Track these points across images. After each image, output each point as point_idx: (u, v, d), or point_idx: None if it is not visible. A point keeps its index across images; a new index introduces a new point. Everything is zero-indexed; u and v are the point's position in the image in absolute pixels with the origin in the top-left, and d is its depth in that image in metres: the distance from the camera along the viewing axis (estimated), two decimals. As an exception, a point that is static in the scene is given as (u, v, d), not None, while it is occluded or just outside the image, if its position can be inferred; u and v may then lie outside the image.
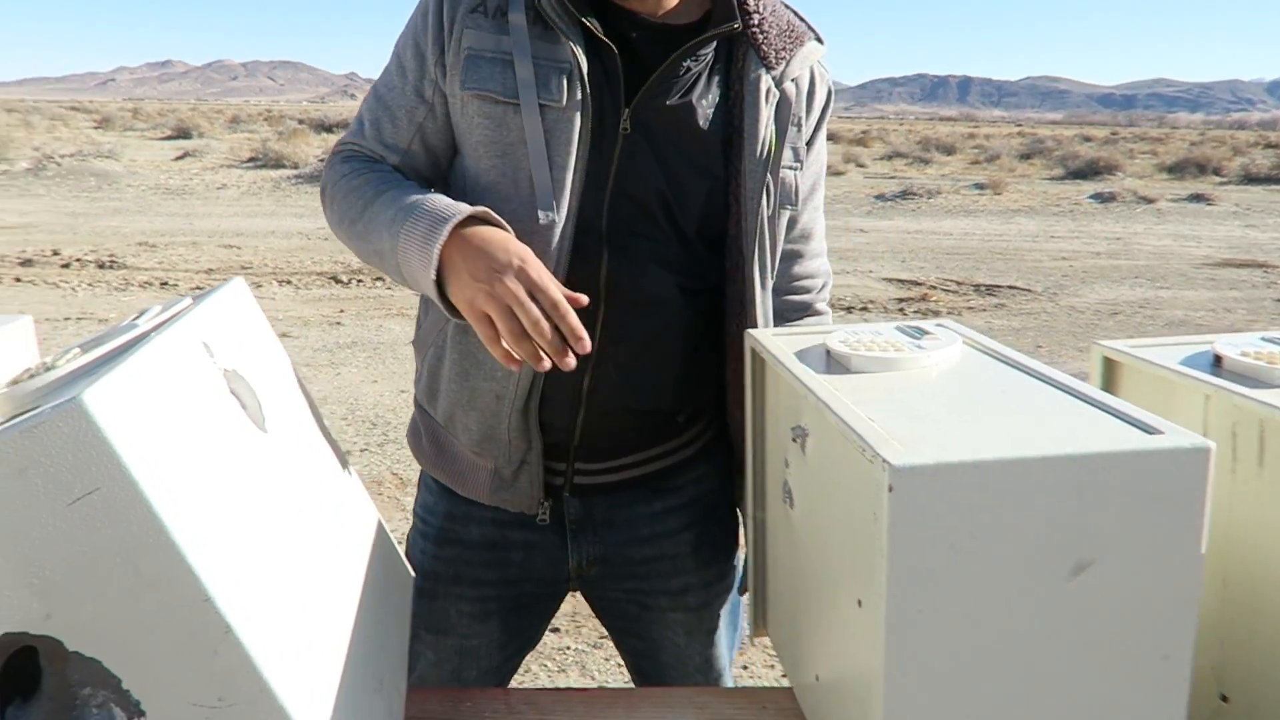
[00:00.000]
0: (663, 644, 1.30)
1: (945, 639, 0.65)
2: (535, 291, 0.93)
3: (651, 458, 1.21)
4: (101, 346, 0.71)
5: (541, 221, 1.07)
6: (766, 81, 1.13)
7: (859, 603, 0.71)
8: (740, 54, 1.14)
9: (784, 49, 1.14)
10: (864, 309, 7.26)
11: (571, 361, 0.93)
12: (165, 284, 7.54)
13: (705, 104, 1.13)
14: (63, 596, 0.56)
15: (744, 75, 1.13)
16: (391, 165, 1.16)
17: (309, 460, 0.85)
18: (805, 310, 1.28)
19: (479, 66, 1.08)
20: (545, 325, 0.92)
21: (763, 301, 1.16)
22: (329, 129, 25.52)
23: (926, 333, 0.93)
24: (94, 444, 0.53)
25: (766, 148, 1.13)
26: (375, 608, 0.87)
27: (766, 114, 1.13)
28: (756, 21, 1.13)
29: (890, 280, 8.50)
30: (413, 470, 3.91)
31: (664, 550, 1.21)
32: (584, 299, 0.96)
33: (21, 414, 0.58)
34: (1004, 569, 0.65)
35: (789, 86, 1.15)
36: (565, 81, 1.07)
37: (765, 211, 1.14)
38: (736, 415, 1.17)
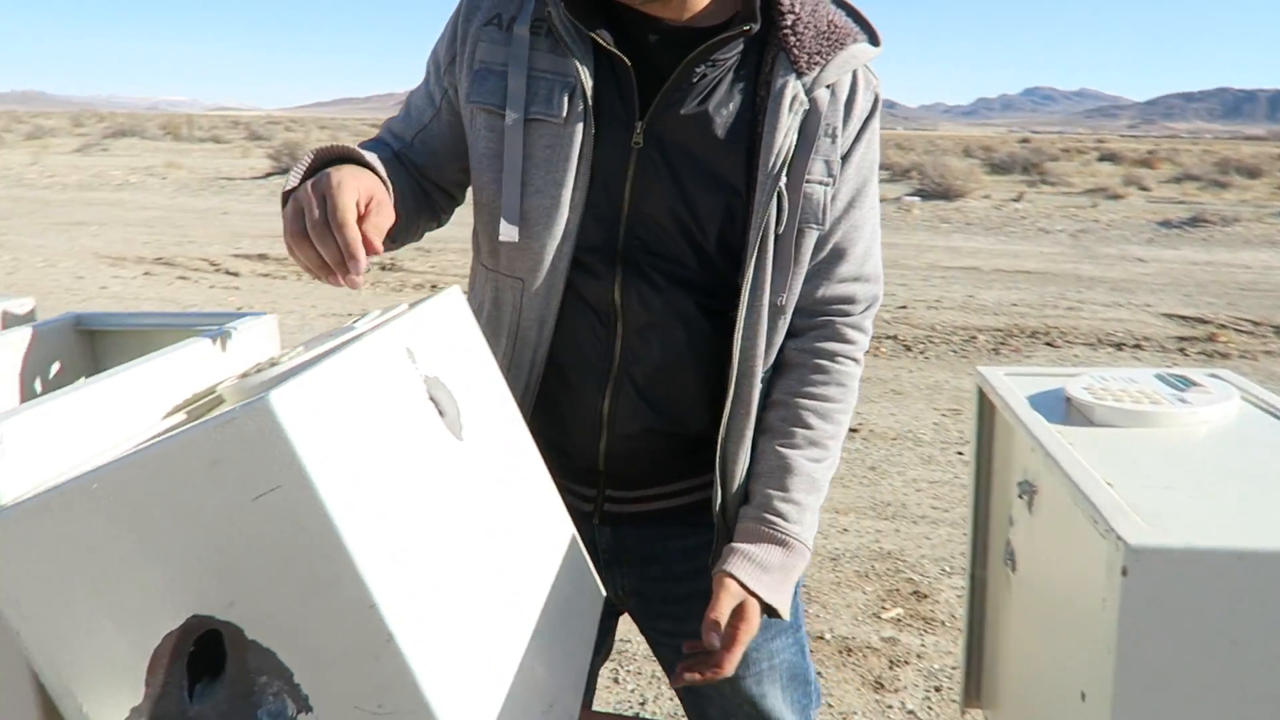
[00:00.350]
0: (708, 694, 1.22)
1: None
2: (327, 197, 0.86)
3: (684, 490, 1.14)
4: (319, 346, 0.75)
5: (501, 238, 1.05)
6: (794, 88, 1.04)
7: (1082, 695, 0.61)
8: (769, 58, 1.05)
9: (819, 53, 1.05)
10: (1136, 347, 6.60)
11: (354, 279, 0.85)
12: (434, 285, 8.16)
13: (726, 112, 1.05)
14: (244, 586, 0.58)
15: (770, 81, 1.04)
16: (392, 151, 1.15)
17: (503, 471, 0.85)
18: (829, 336, 1.14)
19: (486, 79, 1.07)
20: (325, 232, 0.85)
21: (768, 323, 1.08)
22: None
23: (1194, 383, 0.79)
24: (277, 443, 0.54)
25: (781, 159, 1.03)
26: (556, 626, 0.85)
27: (788, 123, 1.04)
28: (789, 23, 1.05)
29: (1170, 316, 7.68)
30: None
31: (699, 588, 1.10)
32: (385, 221, 0.90)
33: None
34: (1256, 676, 0.52)
35: (821, 94, 1.05)
36: (568, 96, 1.04)
37: (775, 228, 1.04)
38: (727, 448, 1.10)
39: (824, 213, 1.07)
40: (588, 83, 1.03)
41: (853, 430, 4.62)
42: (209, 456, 0.55)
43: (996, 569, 0.88)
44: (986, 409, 0.90)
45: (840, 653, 2.64)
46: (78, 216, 12.73)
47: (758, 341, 1.08)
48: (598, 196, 1.06)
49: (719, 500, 1.12)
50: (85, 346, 1.01)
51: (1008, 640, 0.85)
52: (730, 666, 1.01)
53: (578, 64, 1.03)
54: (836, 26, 1.06)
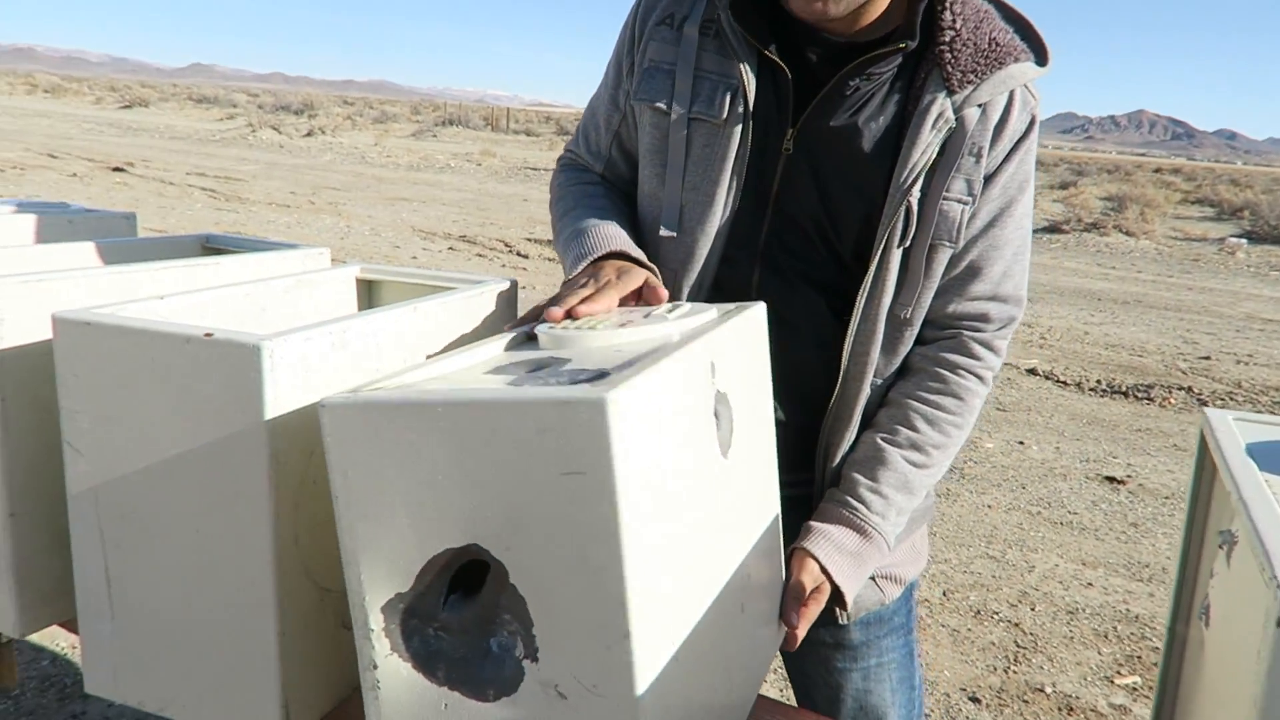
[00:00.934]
0: (815, 680, 1.22)
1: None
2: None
3: (786, 482, 1.11)
4: (648, 327, 0.83)
5: (661, 233, 1.10)
6: (941, 105, 1.04)
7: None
8: (923, 74, 1.06)
9: (974, 71, 1.04)
10: None
11: None
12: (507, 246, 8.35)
13: (875, 126, 1.07)
14: (524, 539, 0.65)
15: (920, 97, 1.05)
16: (597, 173, 1.22)
17: (750, 488, 0.88)
18: (954, 348, 1.12)
19: (653, 77, 1.12)
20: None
21: (888, 332, 1.09)
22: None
23: None
24: (599, 438, 0.60)
25: (916, 173, 1.04)
26: (757, 645, 0.90)
27: (928, 140, 1.04)
28: (948, 39, 1.05)
29: None
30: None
31: None
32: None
33: (560, 365, 0.74)
34: None
35: (970, 112, 1.05)
36: (729, 98, 1.07)
37: (901, 240, 1.05)
38: (828, 446, 1.13)
39: (959, 231, 1.07)
40: (750, 87, 1.07)
41: (1119, 482, 4.25)
42: (540, 425, 0.62)
43: (1193, 625, 0.82)
44: (1206, 456, 0.84)
45: (1060, 709, 2.46)
46: (403, 193, 14.25)
47: (870, 347, 1.09)
48: (748, 197, 1.10)
49: (816, 497, 1.14)
50: (364, 292, 1.17)
51: (1196, 702, 0.79)
52: (794, 644, 1.00)
53: (743, 68, 1.07)
54: (998, 45, 1.05)
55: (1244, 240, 14.90)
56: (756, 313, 0.92)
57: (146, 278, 1.00)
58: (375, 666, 0.71)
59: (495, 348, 0.85)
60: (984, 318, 1.12)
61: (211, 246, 1.29)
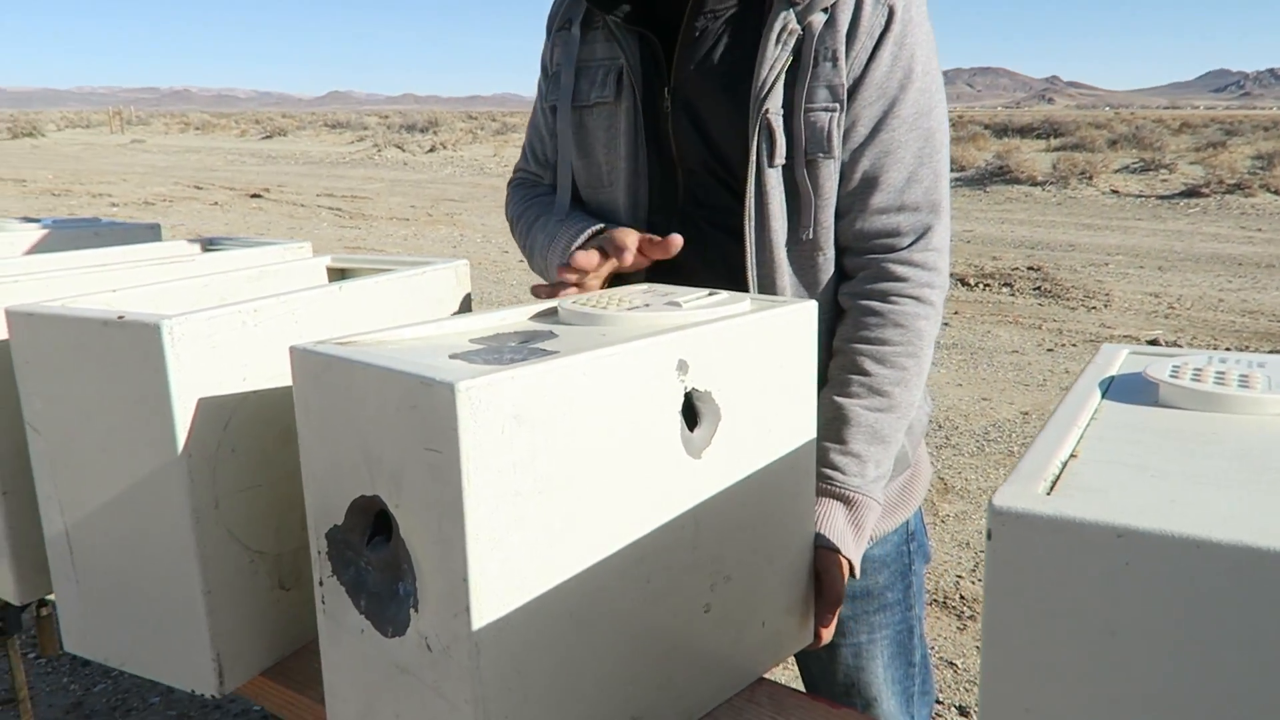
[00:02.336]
0: (813, 653, 1.16)
1: None
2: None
3: None
4: (663, 312, 0.84)
5: (556, 217, 1.17)
6: (785, 19, 1.03)
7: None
8: None
9: None
10: None
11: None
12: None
13: (731, 58, 1.08)
14: (406, 500, 0.68)
15: (764, 17, 1.05)
16: (548, 183, 1.27)
17: (748, 495, 0.86)
18: (876, 275, 1.08)
19: (556, 79, 1.19)
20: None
21: (796, 259, 1.08)
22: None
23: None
24: (449, 421, 0.63)
25: (766, 89, 1.04)
26: (736, 646, 0.90)
27: (774, 54, 1.04)
28: None
29: None
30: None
31: None
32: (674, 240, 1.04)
33: (538, 342, 0.77)
34: (1130, 668, 0.45)
35: (815, 18, 1.04)
36: (615, 78, 1.13)
37: (770, 159, 1.04)
38: None
39: (830, 139, 1.04)
40: (631, 62, 1.12)
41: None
42: (410, 399, 0.65)
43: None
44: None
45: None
46: (516, 200, 14.64)
47: (776, 275, 1.07)
48: (656, 163, 1.13)
49: None
50: (335, 279, 1.24)
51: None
52: (819, 642, 1.00)
53: (620, 47, 1.12)
54: None
55: None
56: (795, 313, 0.88)
57: (112, 276, 1.09)
58: (321, 584, 0.78)
59: (514, 316, 0.88)
60: (895, 232, 1.08)
61: (211, 247, 1.39)
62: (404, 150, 26.42)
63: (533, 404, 0.67)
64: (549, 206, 1.23)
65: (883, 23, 1.05)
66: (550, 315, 0.89)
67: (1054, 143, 23.32)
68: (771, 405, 0.87)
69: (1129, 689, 0.45)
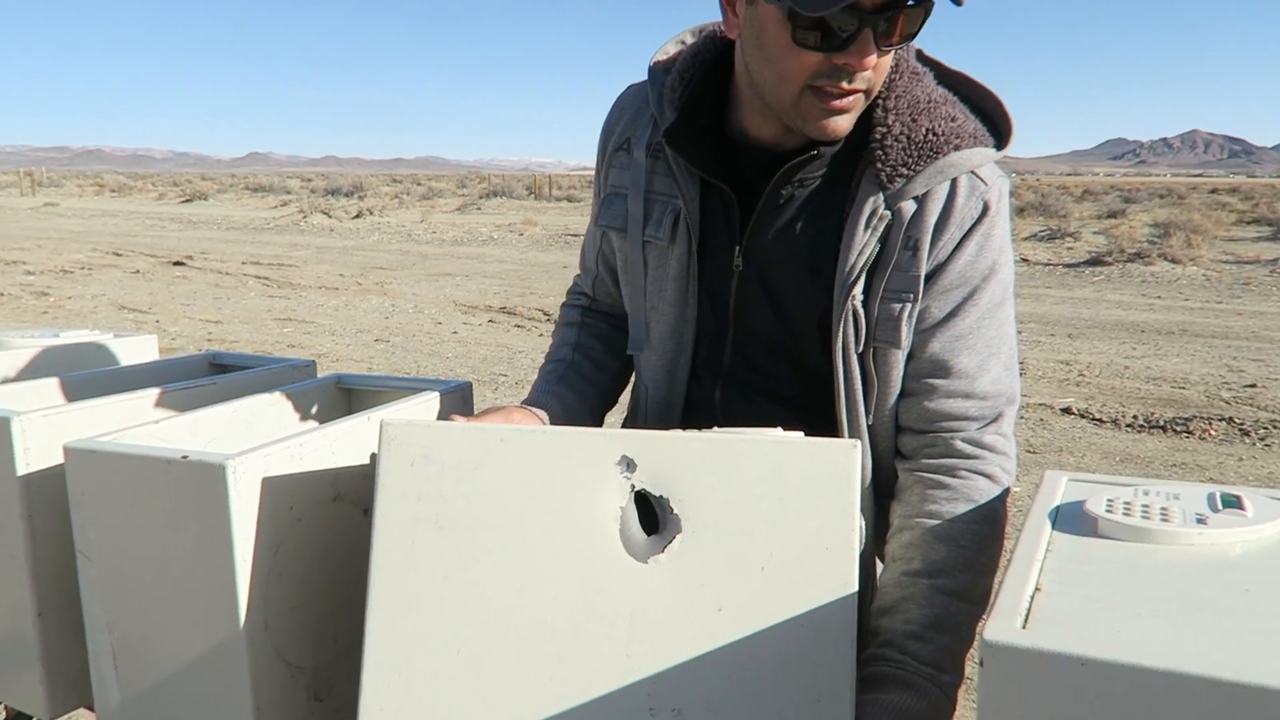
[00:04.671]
0: None
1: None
2: None
3: None
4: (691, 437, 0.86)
5: (629, 350, 1.16)
6: (875, 202, 1.03)
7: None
8: (859, 173, 1.06)
9: (905, 164, 1.02)
10: None
11: None
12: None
13: (815, 230, 1.07)
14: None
15: (855, 196, 1.05)
16: (587, 287, 1.29)
17: (697, 622, 0.82)
18: (944, 452, 1.06)
19: (613, 203, 1.18)
20: None
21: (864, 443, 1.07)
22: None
23: (1238, 505, 0.80)
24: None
25: (855, 275, 1.03)
26: None
27: (863, 238, 1.03)
28: (879, 136, 1.04)
29: None
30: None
31: None
32: None
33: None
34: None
35: (905, 205, 1.03)
36: (672, 220, 1.11)
37: (855, 347, 1.05)
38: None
39: (900, 331, 1.04)
40: (692, 208, 1.11)
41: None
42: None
43: None
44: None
45: None
46: (447, 268, 14.66)
47: (865, 461, 1.06)
48: (706, 315, 1.14)
49: None
50: (344, 398, 1.33)
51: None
52: None
53: (685, 192, 1.11)
54: (935, 135, 1.03)
55: (1299, 259, 14.58)
56: (839, 447, 0.84)
57: (148, 402, 1.17)
58: None
59: None
60: (965, 416, 1.06)
61: (217, 364, 1.46)
62: (330, 216, 26.30)
63: (447, 449, 0.76)
64: (557, 366, 1.24)
65: (976, 214, 1.04)
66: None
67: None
68: (776, 543, 0.83)
69: (1095, 785, 0.58)
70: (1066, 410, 6.31)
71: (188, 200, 37.44)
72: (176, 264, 14.96)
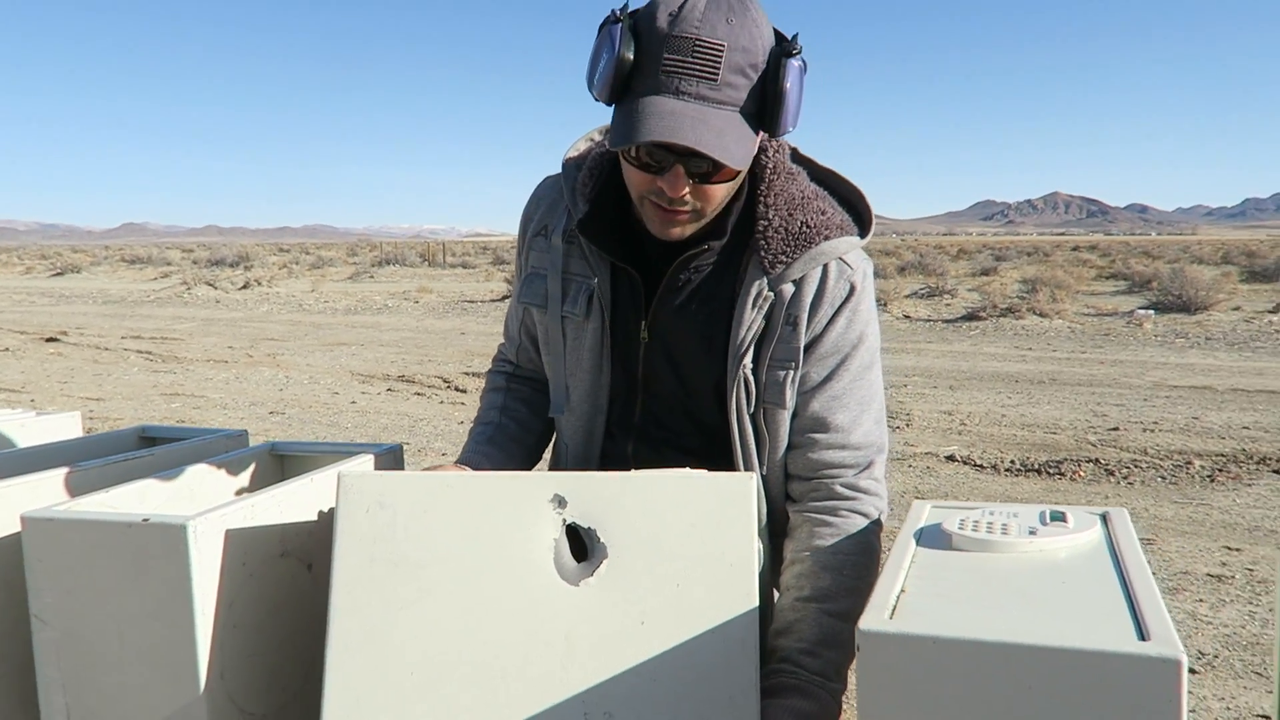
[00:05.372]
0: None
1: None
2: None
3: None
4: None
5: (550, 413, 1.30)
6: (758, 286, 1.21)
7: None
8: (745, 260, 1.24)
9: (784, 253, 1.20)
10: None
11: None
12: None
13: (710, 308, 1.24)
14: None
15: (743, 279, 1.23)
16: (511, 354, 1.43)
17: (622, 636, 0.94)
18: (826, 495, 1.23)
19: (533, 282, 1.32)
20: None
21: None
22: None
23: (1062, 520, 0.97)
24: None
25: (745, 347, 1.21)
26: None
27: (751, 316, 1.21)
28: (761, 229, 1.22)
29: None
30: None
31: None
32: None
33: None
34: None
35: (785, 288, 1.21)
36: (587, 299, 1.26)
37: (746, 408, 1.22)
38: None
39: (785, 394, 1.21)
40: (604, 288, 1.27)
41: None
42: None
43: None
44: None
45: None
46: (342, 338, 14.46)
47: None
48: (619, 380, 1.30)
49: None
50: (278, 464, 1.41)
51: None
52: None
53: (591, 268, 1.28)
54: (809, 227, 1.22)
55: (1151, 311, 15.74)
56: (739, 481, 0.99)
57: (94, 474, 1.23)
58: None
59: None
60: (840, 465, 1.23)
61: (147, 436, 1.52)
62: (215, 287, 25.63)
63: (399, 496, 0.88)
64: (486, 428, 1.37)
65: (844, 294, 1.23)
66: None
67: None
68: (688, 562, 0.96)
69: (950, 741, 0.72)
70: (950, 458, 6.67)
71: (59, 273, 35.88)
72: (50, 340, 14.33)
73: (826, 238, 1.22)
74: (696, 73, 1.05)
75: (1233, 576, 4.49)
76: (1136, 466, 6.31)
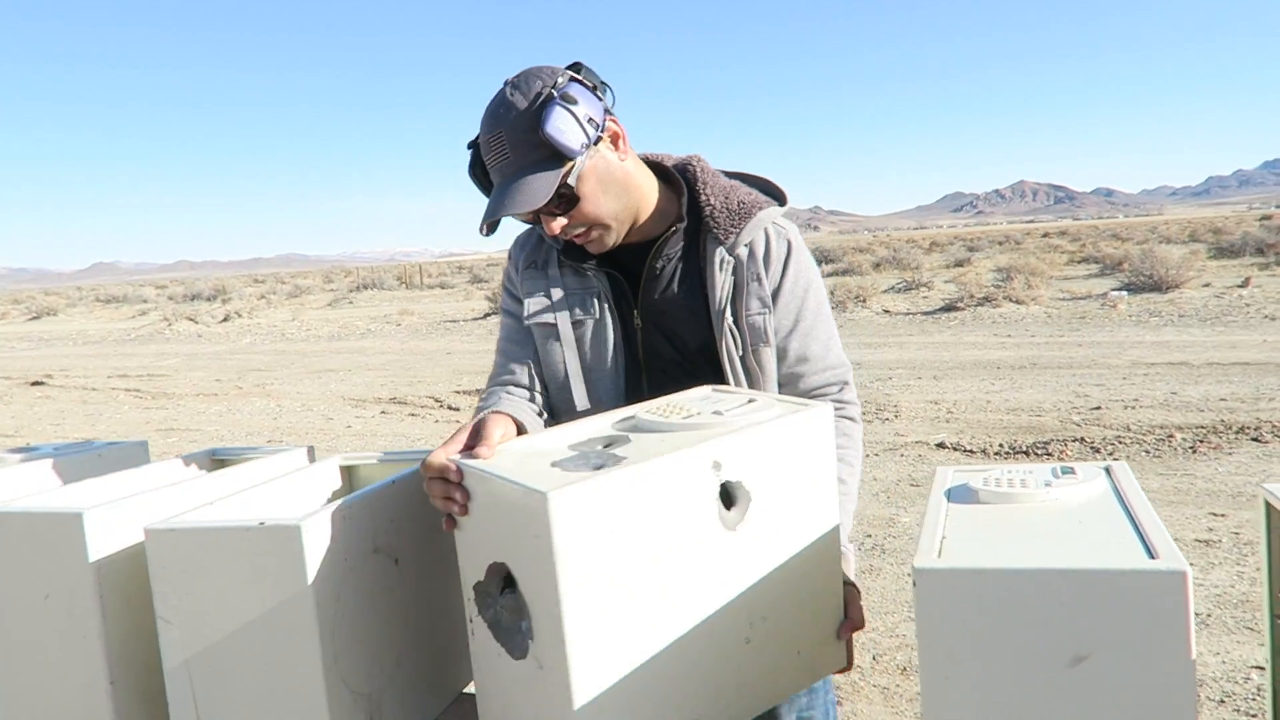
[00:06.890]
0: None
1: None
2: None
3: None
4: (704, 423, 1.20)
5: (579, 409, 1.52)
6: (720, 253, 1.54)
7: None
8: (703, 238, 1.56)
9: (733, 225, 1.53)
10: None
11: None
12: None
13: (686, 286, 1.55)
14: (516, 569, 1.04)
15: (706, 253, 1.55)
16: (509, 374, 1.60)
17: (778, 551, 1.21)
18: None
19: (540, 301, 1.59)
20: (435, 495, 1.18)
21: None
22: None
23: (1072, 474, 1.11)
24: (543, 526, 0.98)
25: (724, 302, 1.52)
26: (773, 669, 1.24)
27: (722, 280, 1.52)
28: (709, 212, 1.55)
29: None
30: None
31: None
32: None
33: (618, 446, 1.15)
34: (1012, 659, 0.85)
35: (742, 251, 1.54)
36: (596, 301, 1.56)
37: (736, 352, 1.53)
38: None
39: (766, 333, 1.53)
40: (604, 290, 1.57)
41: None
42: (522, 504, 1.00)
43: None
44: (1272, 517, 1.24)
45: None
46: (329, 364, 14.50)
47: None
48: (628, 364, 1.56)
49: None
50: (343, 475, 1.53)
51: None
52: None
53: (594, 280, 1.57)
54: (744, 204, 1.55)
55: (1124, 292, 16.06)
56: (813, 416, 1.25)
57: (191, 489, 1.35)
58: (470, 620, 1.16)
59: (599, 424, 1.30)
60: (827, 384, 1.60)
61: (218, 458, 1.64)
62: (196, 321, 25.57)
63: (606, 505, 1.02)
64: (494, 393, 1.56)
65: (784, 251, 1.57)
66: (629, 421, 1.27)
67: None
68: (797, 488, 1.22)
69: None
70: (941, 445, 6.84)
71: (35, 317, 35.62)
72: (35, 384, 14.30)
73: (760, 208, 1.56)
74: (497, 160, 1.42)
75: (1220, 541, 4.67)
76: (1121, 442, 6.51)
